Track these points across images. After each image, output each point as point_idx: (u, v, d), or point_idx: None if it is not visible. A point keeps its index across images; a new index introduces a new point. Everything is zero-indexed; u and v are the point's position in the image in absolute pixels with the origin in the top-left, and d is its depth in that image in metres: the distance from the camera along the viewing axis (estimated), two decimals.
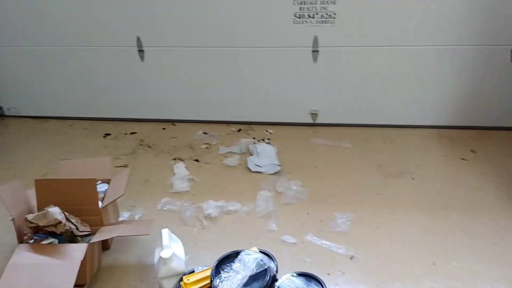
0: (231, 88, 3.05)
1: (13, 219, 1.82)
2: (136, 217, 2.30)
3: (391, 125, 2.98)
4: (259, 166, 2.64)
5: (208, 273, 1.66)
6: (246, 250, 1.62)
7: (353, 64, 2.82)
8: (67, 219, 1.81)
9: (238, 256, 1.59)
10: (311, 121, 3.07)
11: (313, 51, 2.82)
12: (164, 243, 1.73)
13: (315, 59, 2.84)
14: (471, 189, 2.38)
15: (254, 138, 2.96)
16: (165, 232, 1.80)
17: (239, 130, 3.09)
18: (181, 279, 1.68)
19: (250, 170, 2.63)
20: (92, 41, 3.01)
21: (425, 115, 2.93)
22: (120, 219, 2.27)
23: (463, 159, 2.63)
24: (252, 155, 2.76)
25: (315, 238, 2.11)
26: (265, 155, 2.71)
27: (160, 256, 1.67)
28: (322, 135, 2.96)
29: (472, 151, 2.70)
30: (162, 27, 2.90)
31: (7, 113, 3.43)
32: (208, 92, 3.09)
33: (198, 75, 3.02)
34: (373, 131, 2.96)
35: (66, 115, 3.34)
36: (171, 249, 1.71)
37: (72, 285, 1.56)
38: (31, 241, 1.79)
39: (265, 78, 2.97)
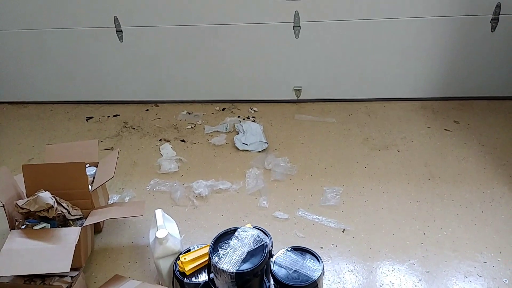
0: (213, 66, 3.00)
1: (3, 205, 1.78)
2: (126, 199, 2.29)
3: (375, 98, 3.00)
4: (246, 144, 2.64)
5: (205, 251, 1.67)
6: (243, 227, 1.62)
7: (335, 39, 2.81)
8: (58, 204, 1.78)
9: (235, 233, 1.60)
10: (295, 98, 3.06)
11: (294, 27, 2.79)
12: (158, 223, 1.72)
13: (297, 34, 2.82)
14: (456, 159, 2.43)
15: (239, 117, 2.95)
16: (159, 212, 1.79)
17: (223, 109, 3.07)
18: (178, 258, 1.68)
19: (238, 148, 2.63)
20: (68, 23, 2.91)
21: (407, 88, 2.95)
22: (110, 201, 2.26)
23: (446, 129, 2.67)
24: (238, 133, 2.76)
25: (306, 213, 2.14)
26: (251, 133, 2.71)
27: (156, 236, 1.66)
28: (306, 111, 2.97)
29: (455, 121, 2.74)
30: (140, 6, 2.82)
31: None
32: (191, 71, 3.04)
33: (179, 54, 2.97)
34: (357, 105, 2.98)
35: (46, 100, 3.26)
36: (166, 229, 1.70)
37: (69, 269, 1.55)
38: (23, 226, 1.76)
39: (247, 55, 2.94)
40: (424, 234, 1.98)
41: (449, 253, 1.88)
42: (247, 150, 2.61)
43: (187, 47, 2.93)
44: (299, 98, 3.06)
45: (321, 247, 1.95)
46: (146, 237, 2.04)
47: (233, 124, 2.86)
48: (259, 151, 2.60)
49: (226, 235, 1.61)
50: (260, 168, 2.46)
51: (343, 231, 2.03)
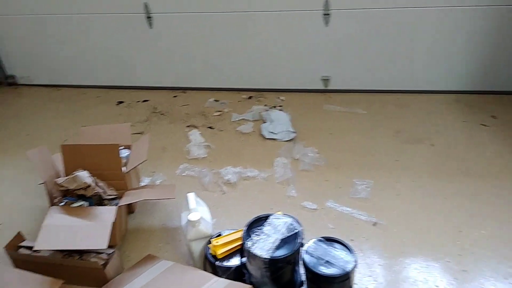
0: (241, 54, 3.00)
1: (44, 183, 1.82)
2: (157, 182, 2.31)
3: (406, 90, 2.94)
4: (274, 133, 2.63)
5: (236, 236, 1.67)
6: (275, 214, 1.62)
7: (366, 28, 2.75)
8: (96, 183, 1.81)
9: (268, 220, 1.59)
10: (322, 87, 3.03)
11: (324, 14, 2.75)
12: (191, 207, 1.73)
13: (326, 22, 2.78)
14: (493, 155, 2.35)
15: (266, 105, 2.94)
16: (191, 196, 1.80)
17: (250, 97, 3.06)
18: (209, 242, 1.69)
19: (264, 137, 2.62)
20: (99, 8, 2.96)
21: (440, 80, 2.88)
22: (141, 184, 2.28)
23: (483, 124, 2.60)
24: (265, 122, 2.75)
25: (335, 204, 2.11)
26: (279, 122, 2.70)
27: (188, 219, 1.67)
28: (335, 101, 2.94)
29: (492, 116, 2.66)
30: None
31: (20, 81, 3.42)
32: (218, 59, 3.04)
33: (208, 41, 2.97)
34: (387, 97, 2.93)
35: (78, 83, 3.32)
36: (199, 212, 1.71)
37: (106, 246, 1.58)
38: (62, 204, 1.79)
39: (275, 43, 2.92)
40: (460, 232, 1.91)
41: (487, 252, 1.80)
42: (274, 139, 2.60)
43: (216, 34, 2.93)
44: (327, 88, 3.02)
45: (352, 240, 1.90)
46: (176, 220, 2.05)
47: (260, 112, 2.85)
48: (286, 140, 2.58)
49: (259, 221, 1.61)
50: (288, 157, 2.44)
51: (374, 225, 1.98)
